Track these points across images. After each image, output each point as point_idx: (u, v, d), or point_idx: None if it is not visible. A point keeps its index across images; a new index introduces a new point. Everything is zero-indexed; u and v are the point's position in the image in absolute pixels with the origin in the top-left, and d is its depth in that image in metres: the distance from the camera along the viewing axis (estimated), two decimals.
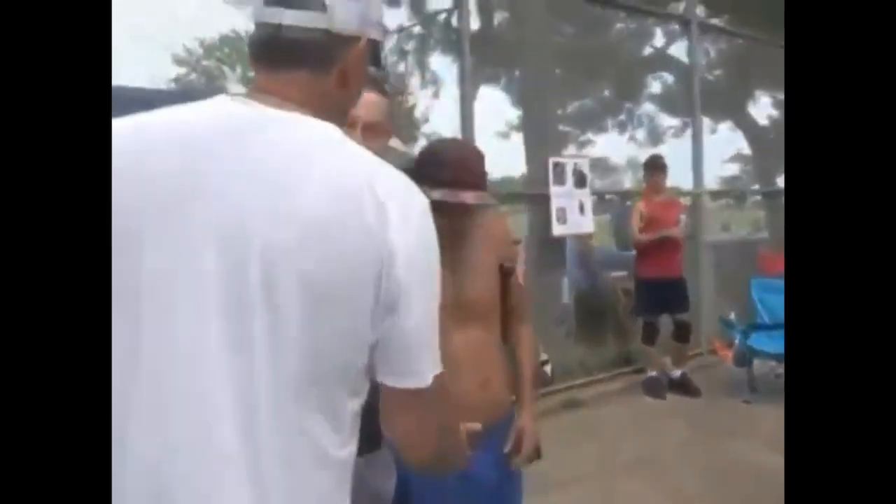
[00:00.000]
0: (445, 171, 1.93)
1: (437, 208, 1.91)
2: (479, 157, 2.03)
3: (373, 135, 1.77)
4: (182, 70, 16.05)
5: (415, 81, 8.42)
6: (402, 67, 8.10)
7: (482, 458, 2.05)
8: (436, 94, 8.27)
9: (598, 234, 8.72)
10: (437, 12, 7.90)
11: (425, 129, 10.69)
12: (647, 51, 8.99)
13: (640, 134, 9.47)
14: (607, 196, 9.71)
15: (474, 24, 7.44)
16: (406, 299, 1.04)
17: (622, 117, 9.51)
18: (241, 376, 1.00)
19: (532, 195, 6.12)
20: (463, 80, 5.35)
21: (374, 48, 1.20)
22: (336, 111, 1.16)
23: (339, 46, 1.12)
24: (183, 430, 1.01)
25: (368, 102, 1.75)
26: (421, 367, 1.09)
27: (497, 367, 2.14)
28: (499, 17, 7.56)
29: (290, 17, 1.09)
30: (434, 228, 1.11)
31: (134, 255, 1.01)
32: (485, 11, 7.43)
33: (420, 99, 9.29)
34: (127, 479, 1.02)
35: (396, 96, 9.59)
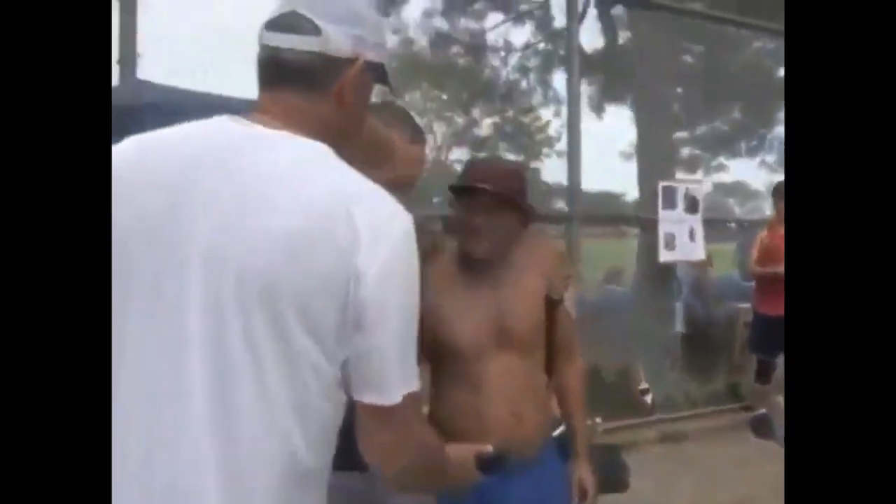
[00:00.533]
0: (467, 173, 2.02)
1: (471, 226, 1.97)
2: (511, 171, 2.09)
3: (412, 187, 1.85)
4: None
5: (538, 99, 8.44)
6: (524, 84, 8.14)
7: (514, 489, 2.00)
8: (557, 113, 8.25)
9: (724, 262, 8.39)
10: (564, 29, 7.86)
11: (559, 146, 10.68)
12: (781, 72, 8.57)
13: (771, 158, 9.01)
14: (745, 223, 9.30)
15: (598, 42, 7.37)
16: (373, 319, 1.08)
17: (755, 142, 9.09)
18: (215, 385, 1.06)
19: (644, 219, 5.96)
20: (571, 99, 5.30)
21: (379, 69, 1.25)
22: (335, 132, 1.20)
23: (334, 68, 1.18)
24: (164, 432, 1.07)
25: (422, 160, 1.86)
26: (389, 385, 1.12)
27: (534, 402, 2.08)
28: (623, 36, 7.41)
29: (286, 41, 1.16)
30: (414, 253, 1.13)
31: (125, 267, 1.09)
32: (609, 30, 7.32)
33: (545, 117, 9.30)
34: (123, 476, 1.07)
35: (522, 114, 9.61)
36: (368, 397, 1.12)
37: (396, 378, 1.12)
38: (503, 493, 1.98)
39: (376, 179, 1.69)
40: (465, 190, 2.00)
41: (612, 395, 5.77)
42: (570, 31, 5.46)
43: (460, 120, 10.42)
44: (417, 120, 1.96)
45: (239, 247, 1.05)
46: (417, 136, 1.83)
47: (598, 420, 5.01)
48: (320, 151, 1.14)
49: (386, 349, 1.10)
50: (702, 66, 7.86)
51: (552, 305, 2.07)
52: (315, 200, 1.07)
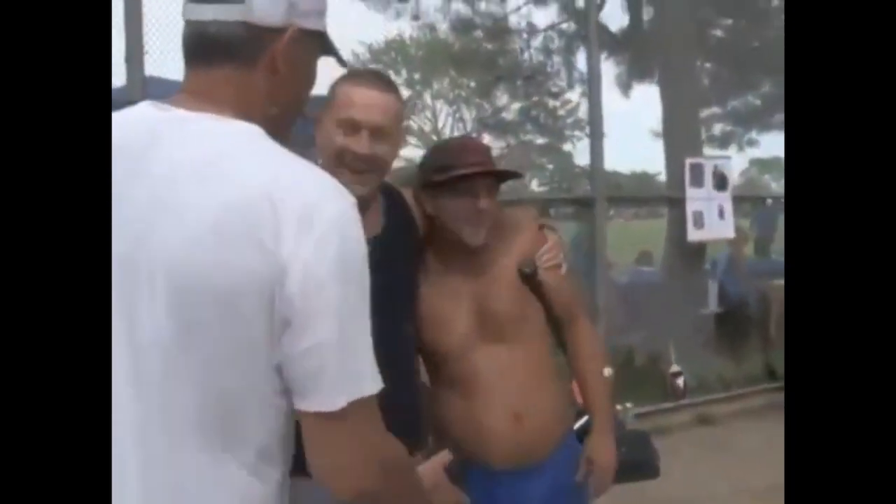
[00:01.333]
0: (455, 157, 1.85)
1: (445, 210, 1.84)
2: (486, 146, 2.03)
3: (379, 140, 1.69)
4: None
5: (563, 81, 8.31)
6: (549, 67, 8.02)
7: (527, 490, 1.88)
8: (584, 93, 8.09)
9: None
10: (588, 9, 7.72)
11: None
12: None
13: None
14: (783, 199, 9.10)
15: (624, 20, 7.24)
16: (305, 316, 0.99)
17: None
18: (137, 395, 1.01)
19: (673, 198, 5.84)
20: (592, 78, 5.22)
21: (321, 38, 1.17)
22: (268, 108, 1.12)
23: (262, 39, 1.08)
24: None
25: (368, 103, 1.68)
26: (329, 388, 1.01)
27: (539, 396, 1.91)
28: (648, 12, 7.26)
29: (209, 12, 1.08)
30: (354, 239, 1.03)
31: None
32: (633, 6, 7.17)
33: (573, 99, 9.15)
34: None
35: (550, 97, 9.48)
36: (306, 403, 1.01)
37: (337, 380, 1.00)
38: (515, 496, 1.89)
39: (328, 129, 1.65)
40: (465, 176, 1.82)
41: (643, 380, 5.68)
42: (589, 9, 5.36)
43: (488, 107, 10.30)
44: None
45: (152, 250, 0.99)
46: (380, 84, 1.72)
47: (629, 405, 4.94)
48: (246, 133, 1.06)
49: (322, 348, 0.99)
50: (730, 40, 7.67)
51: (528, 278, 1.89)
52: (233, 192, 0.98)
